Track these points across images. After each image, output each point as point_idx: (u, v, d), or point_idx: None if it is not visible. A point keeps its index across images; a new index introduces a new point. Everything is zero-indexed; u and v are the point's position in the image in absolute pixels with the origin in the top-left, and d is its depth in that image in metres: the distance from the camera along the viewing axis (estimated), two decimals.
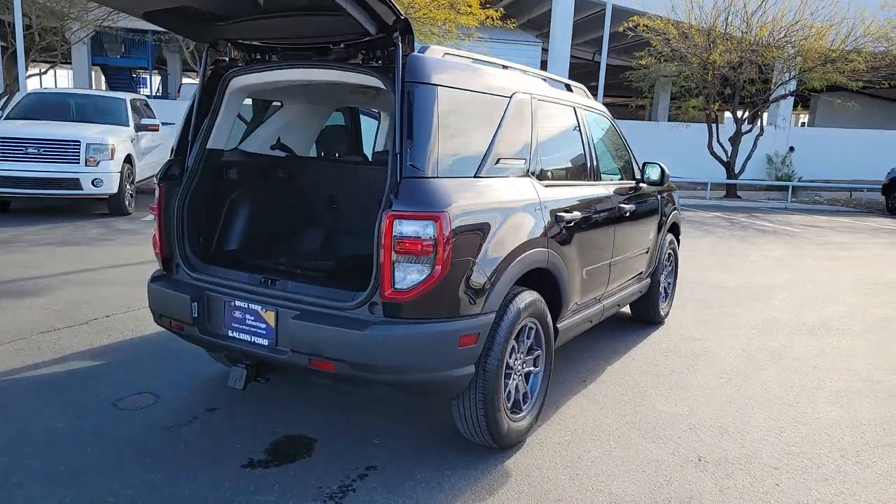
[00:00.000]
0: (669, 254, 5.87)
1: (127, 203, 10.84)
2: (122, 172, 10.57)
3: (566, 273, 3.70)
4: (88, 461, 3.12)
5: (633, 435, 3.63)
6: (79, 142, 10.06)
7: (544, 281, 3.55)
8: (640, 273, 5.20)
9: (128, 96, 12.51)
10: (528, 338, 3.44)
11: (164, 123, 12.95)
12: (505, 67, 3.71)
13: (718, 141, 20.08)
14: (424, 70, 2.99)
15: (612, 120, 4.99)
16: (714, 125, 20.14)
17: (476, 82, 3.28)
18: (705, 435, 3.67)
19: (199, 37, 3.47)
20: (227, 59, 3.60)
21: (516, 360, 3.37)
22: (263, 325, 3.12)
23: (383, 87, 3.09)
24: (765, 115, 21.63)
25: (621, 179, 4.86)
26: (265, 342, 3.12)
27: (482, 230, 3.03)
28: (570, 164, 4.14)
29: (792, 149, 25.25)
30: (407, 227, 2.78)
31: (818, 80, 19.40)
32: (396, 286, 2.81)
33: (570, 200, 3.84)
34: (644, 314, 5.71)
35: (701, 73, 19.59)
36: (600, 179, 4.45)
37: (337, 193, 4.13)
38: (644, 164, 5.15)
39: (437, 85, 3.01)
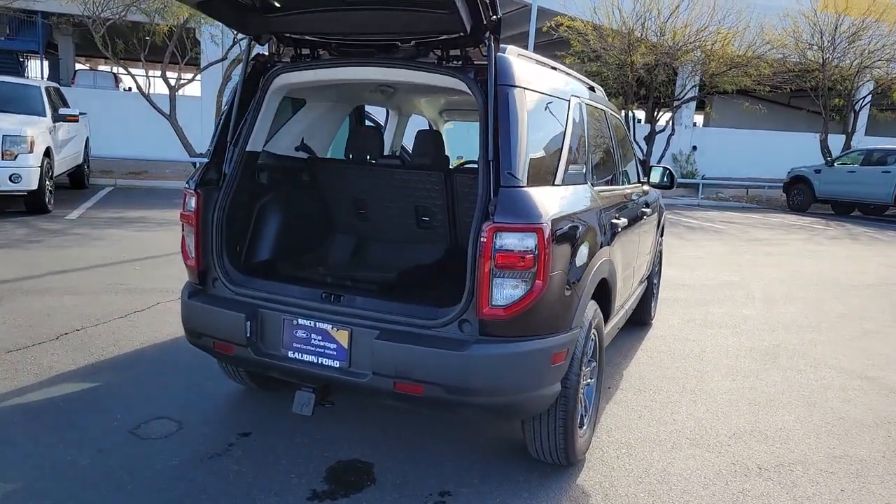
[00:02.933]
0: (657, 254, 5.95)
1: (47, 200, 9.96)
2: (41, 167, 9.69)
3: (615, 281, 3.63)
4: (138, 501, 2.77)
5: (685, 444, 3.61)
6: None
7: (597, 290, 3.47)
8: (643, 275, 5.22)
9: (42, 83, 11.53)
10: (589, 349, 3.34)
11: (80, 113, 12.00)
12: (554, 69, 3.59)
13: (635, 139, 20.76)
14: (513, 72, 2.83)
15: (623, 121, 4.98)
16: (632, 124, 20.82)
17: (545, 84, 3.15)
18: (752, 442, 3.70)
19: (245, 28, 3.15)
20: (267, 54, 3.30)
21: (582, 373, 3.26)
22: (334, 346, 2.87)
23: (464, 89, 2.91)
24: (667, 116, 22.67)
25: (634, 182, 4.86)
26: (336, 364, 2.87)
27: (572, 242, 2.91)
28: (607, 169, 4.08)
29: (695, 148, 26.48)
30: (508, 240, 2.62)
31: (728, 83, 20.42)
32: (494, 303, 2.64)
33: (617, 206, 3.79)
34: (637, 316, 5.74)
35: (618, 74, 20.20)
36: (625, 183, 4.42)
37: (377, 199, 3.89)
38: (651, 167, 5.17)
39: (525, 88, 2.86)
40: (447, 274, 3.55)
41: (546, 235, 2.64)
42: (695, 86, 21.83)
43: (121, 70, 19.42)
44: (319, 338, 2.89)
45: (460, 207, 3.73)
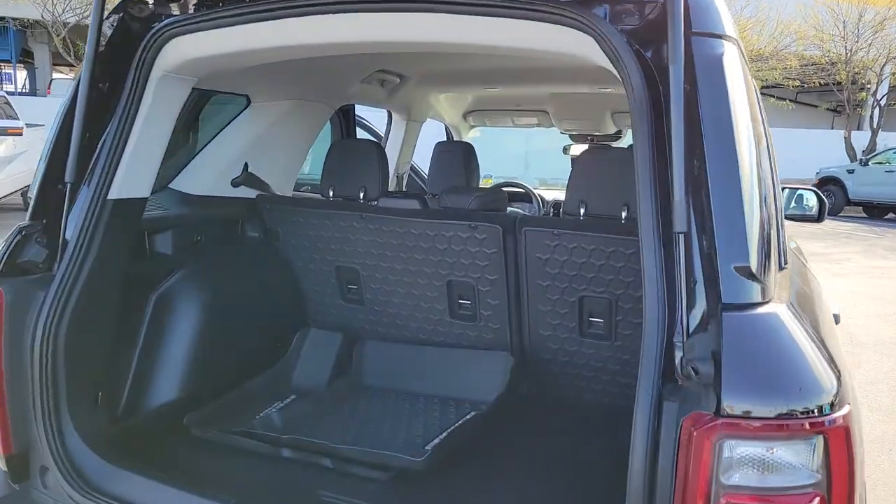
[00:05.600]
0: None
1: None
2: None
3: None
4: None
5: None
6: None
7: None
8: None
9: None
10: None
11: (30, 125, 10.45)
12: None
13: None
14: (718, 10, 1.19)
15: None
16: None
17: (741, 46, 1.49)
18: None
19: None
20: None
21: None
22: None
23: (586, 54, 1.25)
24: None
25: None
26: None
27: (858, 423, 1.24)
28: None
29: None
30: (753, 450, 0.95)
31: (755, 77, 18.95)
32: None
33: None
34: None
35: None
36: None
37: (380, 268, 2.26)
38: (784, 188, 3.49)
39: (738, 46, 1.22)
40: (521, 422, 1.93)
41: (847, 439, 0.97)
42: None
43: None
44: None
45: (533, 287, 2.08)
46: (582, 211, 2.06)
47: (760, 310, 1.02)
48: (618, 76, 1.22)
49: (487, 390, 2.14)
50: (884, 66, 19.83)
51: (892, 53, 19.62)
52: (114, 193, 1.62)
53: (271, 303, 2.34)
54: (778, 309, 1.04)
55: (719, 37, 1.17)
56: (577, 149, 4.08)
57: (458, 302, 2.28)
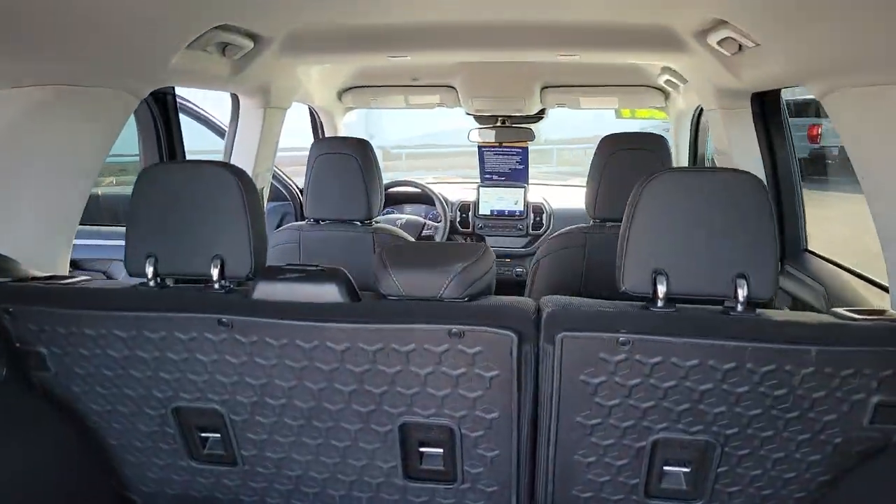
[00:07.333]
0: None
1: None
2: None
3: None
4: None
5: None
6: None
7: None
8: None
9: None
10: None
11: None
12: None
13: None
14: None
15: None
16: None
17: None
18: None
19: None
20: None
21: None
22: None
23: None
24: None
25: None
26: None
27: None
28: None
29: None
30: None
31: None
32: None
33: None
34: None
35: None
36: None
37: (271, 423, 1.20)
38: None
39: None
40: None
41: None
42: None
43: None
44: None
45: (568, 426, 1.17)
46: (661, 290, 1.11)
47: None
48: None
49: None
50: None
51: None
52: None
53: (42, 497, 1.18)
54: None
55: None
56: (483, 134, 3.12)
57: (419, 453, 1.25)
